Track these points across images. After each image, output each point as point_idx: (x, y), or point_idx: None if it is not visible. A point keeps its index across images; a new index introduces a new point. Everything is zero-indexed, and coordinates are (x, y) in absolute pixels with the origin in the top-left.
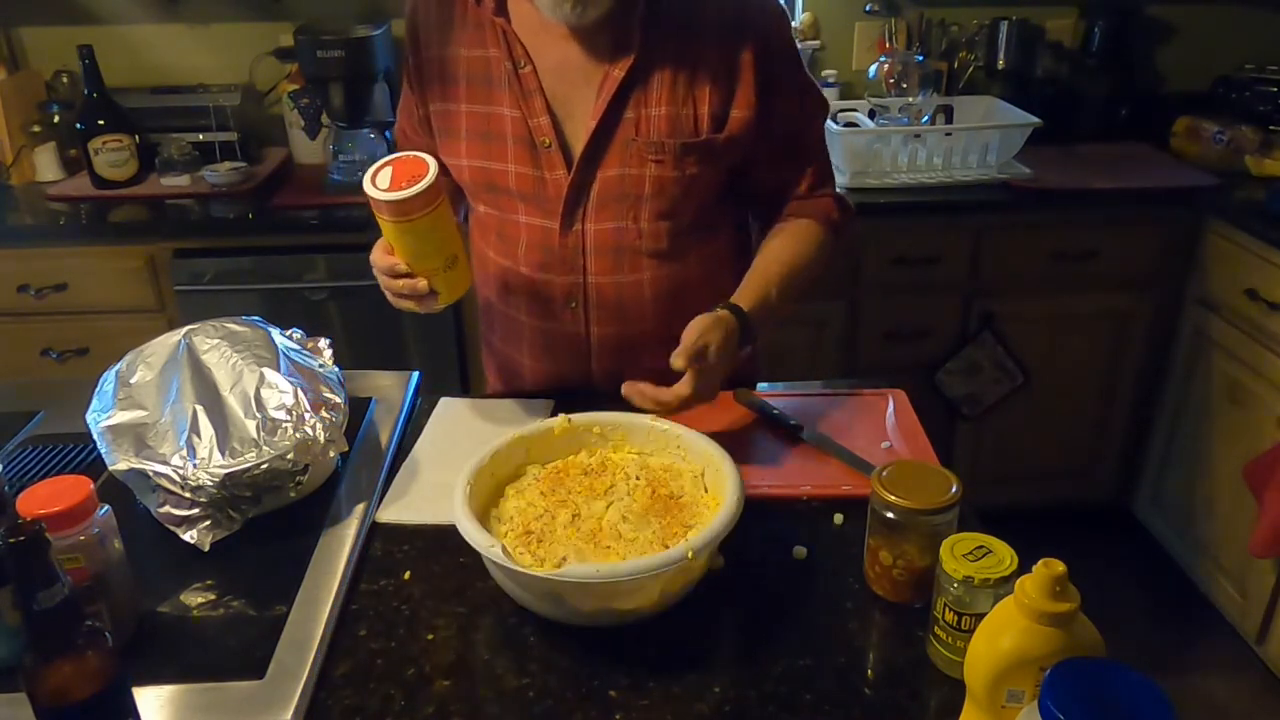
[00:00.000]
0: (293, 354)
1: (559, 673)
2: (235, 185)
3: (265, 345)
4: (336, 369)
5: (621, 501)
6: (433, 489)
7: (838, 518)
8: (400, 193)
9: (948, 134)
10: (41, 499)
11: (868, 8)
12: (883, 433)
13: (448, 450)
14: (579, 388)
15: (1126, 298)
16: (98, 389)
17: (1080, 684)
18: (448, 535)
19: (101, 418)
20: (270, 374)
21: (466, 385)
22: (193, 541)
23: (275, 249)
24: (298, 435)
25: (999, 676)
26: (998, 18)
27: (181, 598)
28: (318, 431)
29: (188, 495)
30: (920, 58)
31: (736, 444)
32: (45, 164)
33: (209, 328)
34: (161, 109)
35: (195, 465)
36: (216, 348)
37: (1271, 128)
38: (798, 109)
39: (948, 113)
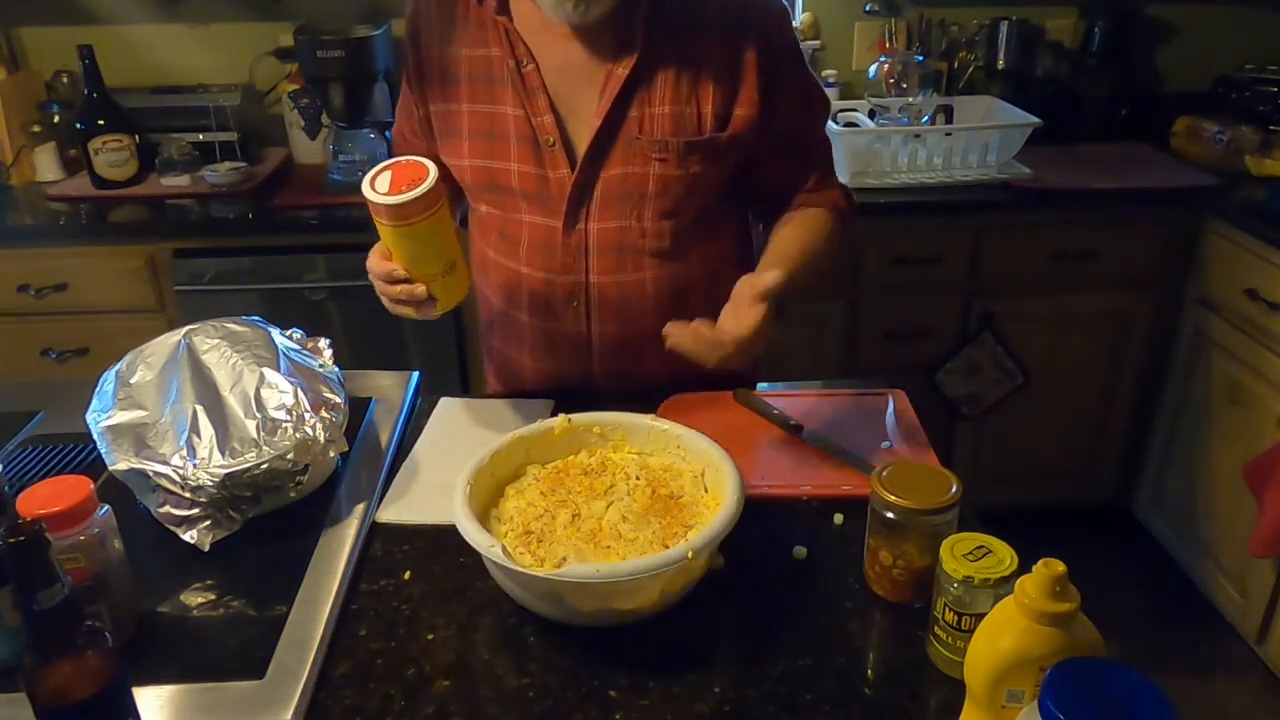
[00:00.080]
0: (293, 354)
1: (559, 673)
2: (235, 185)
3: (265, 345)
4: (336, 369)
5: (621, 501)
6: (433, 489)
7: (838, 518)
8: (399, 196)
9: (948, 134)
10: (41, 499)
11: (868, 8)
12: (883, 433)
13: (448, 450)
14: (579, 388)
15: (1126, 298)
16: (98, 389)
17: (1080, 684)
18: (448, 535)
19: (101, 418)
20: (270, 374)
21: (466, 385)
22: (193, 541)
23: (275, 249)
24: (298, 435)
25: (999, 676)
26: (998, 18)
27: (181, 598)
28: (318, 431)
29: (188, 495)
30: (920, 58)
31: (736, 444)
32: (45, 164)
33: (209, 328)
34: (161, 109)
35: (195, 465)
36: (216, 348)
37: (1271, 128)
38: (801, 107)
39: (948, 113)
